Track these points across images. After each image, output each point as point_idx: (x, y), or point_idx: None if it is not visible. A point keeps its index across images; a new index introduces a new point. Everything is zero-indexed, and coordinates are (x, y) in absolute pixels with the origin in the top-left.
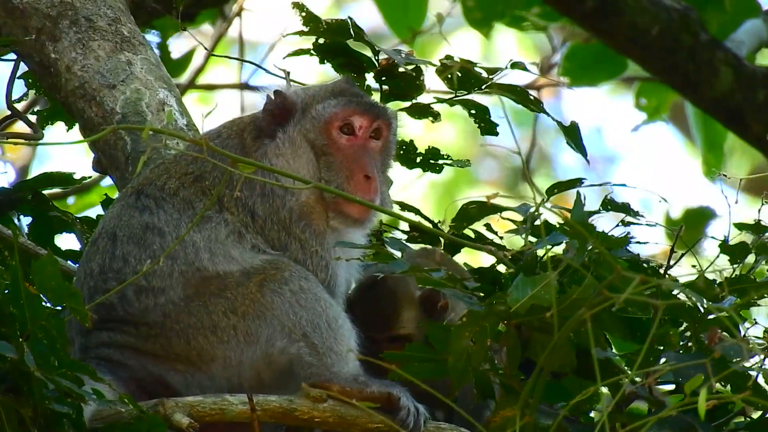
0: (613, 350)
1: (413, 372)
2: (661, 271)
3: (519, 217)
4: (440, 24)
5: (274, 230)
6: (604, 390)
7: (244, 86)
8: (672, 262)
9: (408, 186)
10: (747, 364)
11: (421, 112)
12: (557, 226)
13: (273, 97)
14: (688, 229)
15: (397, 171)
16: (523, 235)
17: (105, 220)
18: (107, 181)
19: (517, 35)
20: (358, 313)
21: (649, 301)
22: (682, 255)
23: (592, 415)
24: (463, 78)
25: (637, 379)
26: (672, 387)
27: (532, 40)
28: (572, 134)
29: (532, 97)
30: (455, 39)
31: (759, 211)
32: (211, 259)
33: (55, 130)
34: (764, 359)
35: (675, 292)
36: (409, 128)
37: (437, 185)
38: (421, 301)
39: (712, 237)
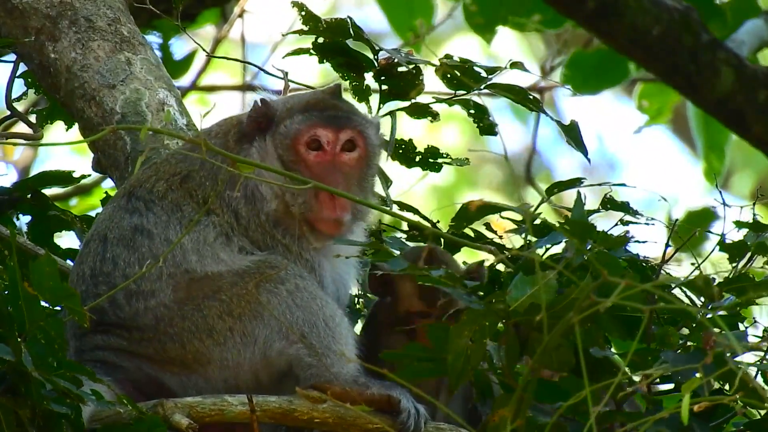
0: (612, 349)
1: (413, 371)
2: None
3: (519, 218)
4: (423, 30)
5: (258, 232)
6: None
7: (246, 87)
8: (668, 259)
9: (408, 189)
10: (744, 364)
11: (421, 111)
12: (557, 225)
13: (259, 104)
14: (689, 230)
15: (398, 173)
16: (523, 235)
17: (98, 222)
18: (108, 183)
19: (516, 41)
20: (408, 287)
21: (636, 305)
22: (677, 249)
23: None
24: (462, 78)
25: (636, 378)
26: (671, 386)
27: (532, 48)
28: (572, 133)
29: (531, 97)
30: (456, 42)
31: (754, 203)
32: (200, 261)
33: (55, 131)
34: (763, 359)
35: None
36: (408, 129)
37: (438, 190)
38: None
39: (710, 231)
